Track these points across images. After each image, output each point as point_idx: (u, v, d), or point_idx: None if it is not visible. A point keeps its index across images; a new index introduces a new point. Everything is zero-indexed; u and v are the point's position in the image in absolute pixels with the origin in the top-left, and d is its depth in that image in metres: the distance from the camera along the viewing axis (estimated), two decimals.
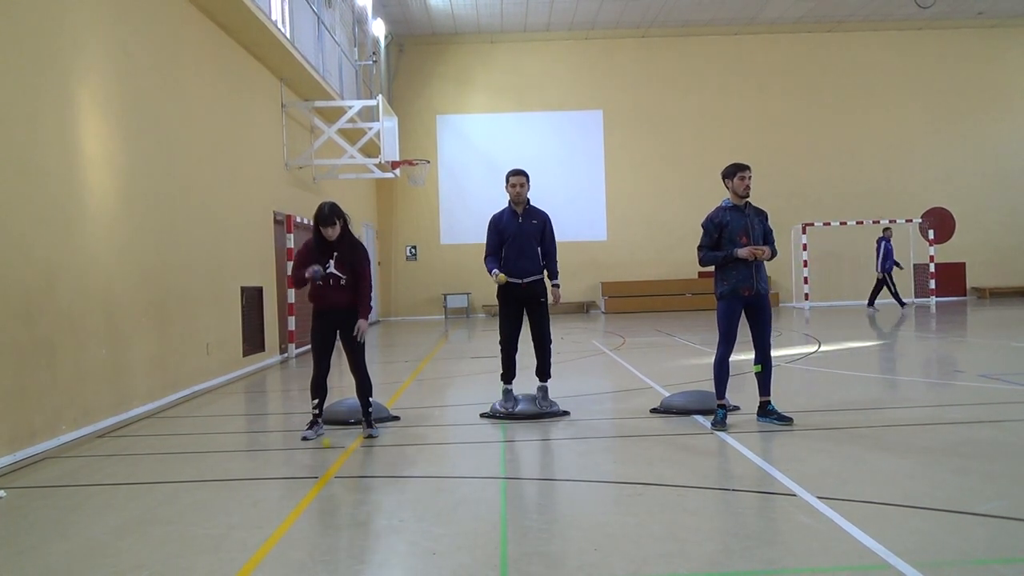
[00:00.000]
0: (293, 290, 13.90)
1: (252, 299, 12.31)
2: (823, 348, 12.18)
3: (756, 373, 6.62)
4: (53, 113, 7.00)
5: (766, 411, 6.57)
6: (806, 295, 22.96)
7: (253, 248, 12.44)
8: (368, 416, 6.69)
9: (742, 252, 6.33)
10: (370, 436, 6.53)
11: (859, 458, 5.34)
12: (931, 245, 22.75)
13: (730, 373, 6.62)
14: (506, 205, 7.40)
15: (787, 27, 24.89)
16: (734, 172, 6.47)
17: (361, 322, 6.52)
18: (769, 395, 6.60)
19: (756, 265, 6.45)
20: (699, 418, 6.83)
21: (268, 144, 13.48)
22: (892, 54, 25.26)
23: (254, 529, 4.30)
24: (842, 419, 6.78)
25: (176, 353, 9.32)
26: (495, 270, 7.10)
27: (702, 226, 6.56)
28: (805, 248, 22.84)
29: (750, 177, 6.47)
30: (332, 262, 6.50)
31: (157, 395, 8.73)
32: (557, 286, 7.29)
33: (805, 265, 22.91)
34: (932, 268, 22.41)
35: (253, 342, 12.27)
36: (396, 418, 7.31)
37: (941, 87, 25.28)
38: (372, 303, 6.80)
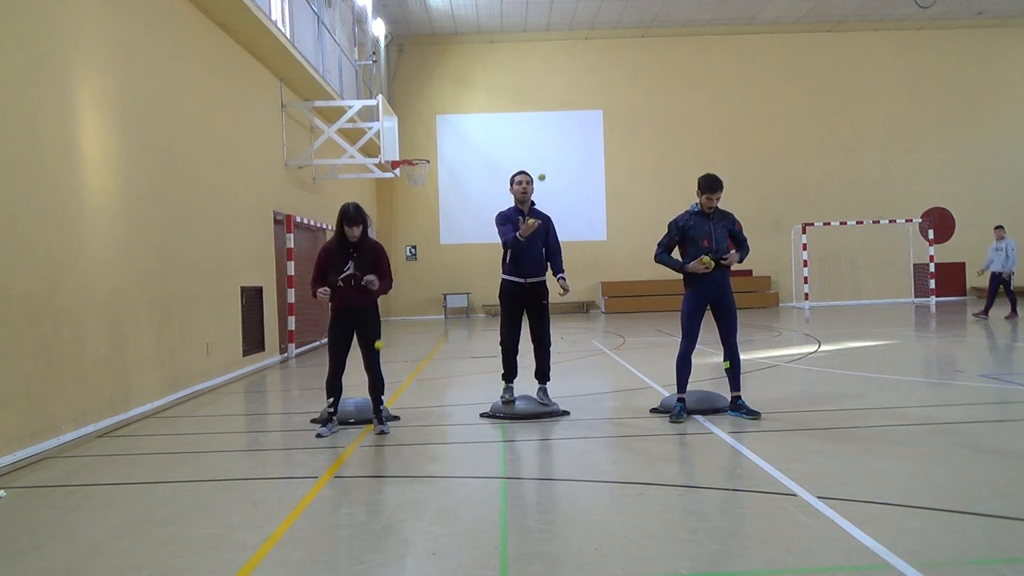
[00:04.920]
0: (291, 289, 13.90)
1: (252, 299, 12.31)
2: (823, 348, 12.18)
3: (726, 369, 6.96)
4: (53, 113, 7.00)
5: (736, 405, 6.90)
6: (806, 295, 22.98)
7: (253, 248, 12.44)
8: (379, 413, 6.82)
9: (691, 266, 6.73)
10: (381, 432, 6.64)
11: (859, 458, 5.34)
12: (931, 245, 22.77)
13: (691, 369, 6.99)
14: (510, 206, 7.41)
15: (787, 27, 24.90)
16: (703, 190, 6.84)
17: (371, 277, 6.54)
18: (739, 390, 6.94)
19: (720, 268, 6.80)
20: (700, 418, 6.84)
21: (268, 144, 13.48)
22: (892, 54, 25.27)
23: (254, 529, 4.30)
24: (842, 419, 6.78)
25: (176, 353, 9.32)
26: (519, 232, 7.06)
27: (667, 225, 6.96)
28: (805, 248, 22.85)
29: (718, 199, 6.84)
30: (352, 263, 6.60)
31: (157, 395, 8.73)
32: (564, 278, 7.31)
33: (805, 265, 22.93)
34: (932, 268, 22.42)
35: (253, 342, 12.27)
36: (396, 418, 7.32)
37: (941, 87, 25.29)
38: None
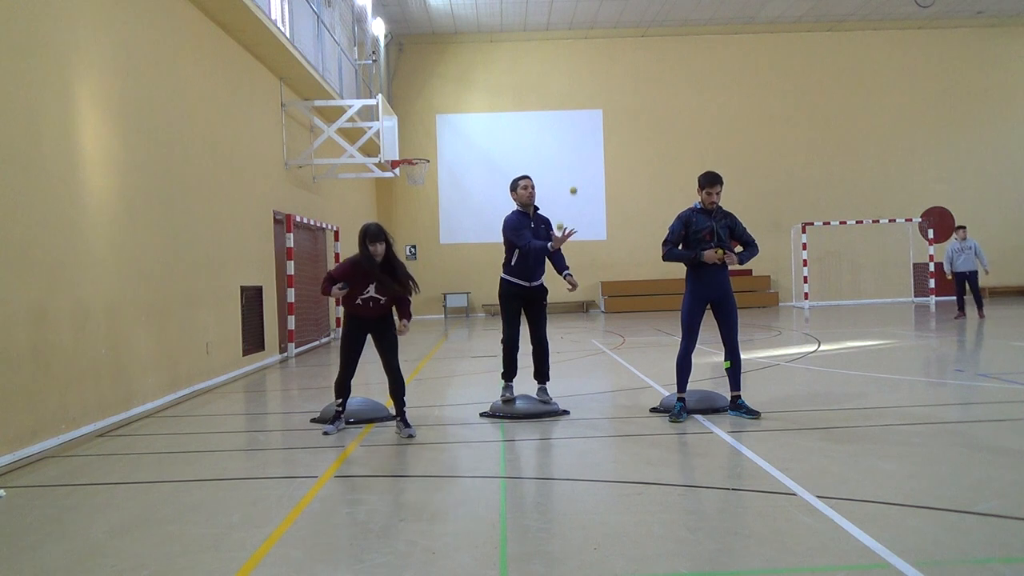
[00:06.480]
0: (290, 289, 13.91)
1: (252, 298, 12.31)
2: (823, 347, 12.18)
3: (726, 369, 6.97)
4: (53, 113, 6.99)
5: (736, 405, 6.90)
6: (806, 295, 22.98)
7: (253, 247, 12.44)
8: (404, 415, 6.72)
9: (707, 255, 6.68)
10: (409, 436, 6.53)
11: (859, 458, 5.34)
12: (931, 244, 22.77)
13: (690, 369, 6.96)
14: (514, 210, 7.35)
15: (787, 26, 24.90)
16: (703, 186, 6.83)
17: (405, 322, 6.68)
18: (739, 390, 6.94)
19: (721, 267, 6.81)
20: (700, 417, 6.84)
21: (268, 143, 13.48)
22: (892, 53, 25.27)
23: (254, 528, 4.30)
24: (842, 419, 6.78)
25: (176, 352, 9.32)
26: (550, 244, 7.05)
27: (670, 226, 6.93)
28: (805, 248, 22.85)
29: (718, 194, 6.83)
30: (373, 287, 6.54)
31: (157, 394, 8.73)
32: (570, 274, 7.29)
33: (805, 265, 22.93)
34: (931, 267, 22.42)
35: (253, 341, 12.27)
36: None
37: (941, 86, 25.30)
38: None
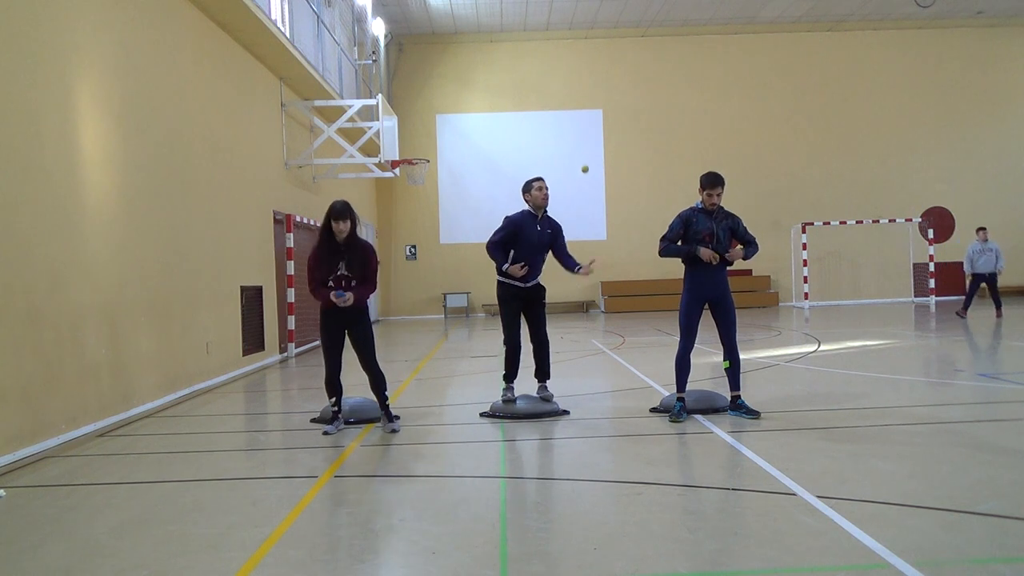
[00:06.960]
0: (290, 289, 13.92)
1: (252, 298, 12.31)
2: (823, 347, 12.18)
3: (725, 369, 6.97)
4: (53, 113, 7.00)
5: (736, 405, 6.90)
6: (806, 294, 22.98)
7: (253, 247, 12.44)
8: (387, 410, 6.79)
9: (703, 252, 6.69)
10: (392, 431, 6.62)
11: (859, 458, 5.34)
12: (931, 245, 22.77)
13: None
14: (523, 210, 7.35)
15: (787, 26, 24.91)
16: (704, 187, 6.81)
17: (349, 294, 6.50)
18: (739, 390, 6.94)
19: (719, 266, 6.83)
20: (699, 417, 6.84)
21: (268, 143, 13.48)
22: (892, 53, 25.28)
23: (253, 528, 4.29)
24: (842, 419, 6.78)
25: (176, 352, 9.32)
26: (506, 266, 7.11)
27: (671, 224, 6.92)
28: (805, 248, 22.86)
29: (719, 195, 6.80)
30: (343, 264, 6.56)
31: (157, 394, 8.73)
32: (580, 267, 7.29)
33: (805, 265, 22.93)
34: (932, 268, 22.43)
35: (253, 341, 12.27)
36: (396, 417, 7.30)
37: (941, 86, 25.31)
38: (370, 302, 6.85)
